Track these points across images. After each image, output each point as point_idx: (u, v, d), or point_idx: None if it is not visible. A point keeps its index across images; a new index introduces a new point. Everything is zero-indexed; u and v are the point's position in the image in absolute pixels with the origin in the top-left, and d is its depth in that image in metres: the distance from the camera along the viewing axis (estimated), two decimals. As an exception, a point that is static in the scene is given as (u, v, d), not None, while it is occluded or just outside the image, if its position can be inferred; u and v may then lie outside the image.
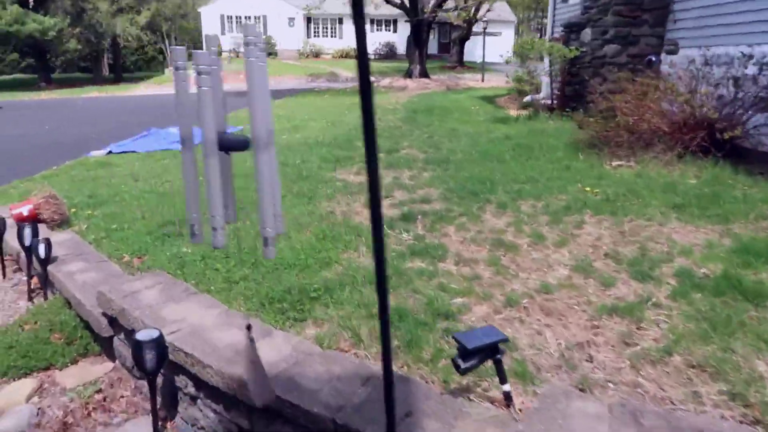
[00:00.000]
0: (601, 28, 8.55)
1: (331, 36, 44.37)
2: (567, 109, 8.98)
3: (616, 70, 8.22)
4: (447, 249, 3.91)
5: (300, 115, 13.33)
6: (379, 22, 44.34)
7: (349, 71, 34.74)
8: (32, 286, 4.43)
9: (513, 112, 11.31)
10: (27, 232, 4.20)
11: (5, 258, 4.90)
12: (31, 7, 26.50)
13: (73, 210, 5.90)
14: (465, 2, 24.56)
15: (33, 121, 14.33)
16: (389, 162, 6.85)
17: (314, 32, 44.00)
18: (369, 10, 35.67)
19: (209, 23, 40.23)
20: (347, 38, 44.12)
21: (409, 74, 24.11)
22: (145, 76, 41.21)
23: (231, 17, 40.51)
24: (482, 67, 23.99)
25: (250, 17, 40.86)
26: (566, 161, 6.05)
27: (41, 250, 3.98)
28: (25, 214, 5.49)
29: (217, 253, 4.22)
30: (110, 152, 9.55)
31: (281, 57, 40.58)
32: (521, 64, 10.54)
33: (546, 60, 9.88)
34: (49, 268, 4.02)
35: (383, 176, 6.20)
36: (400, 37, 45.00)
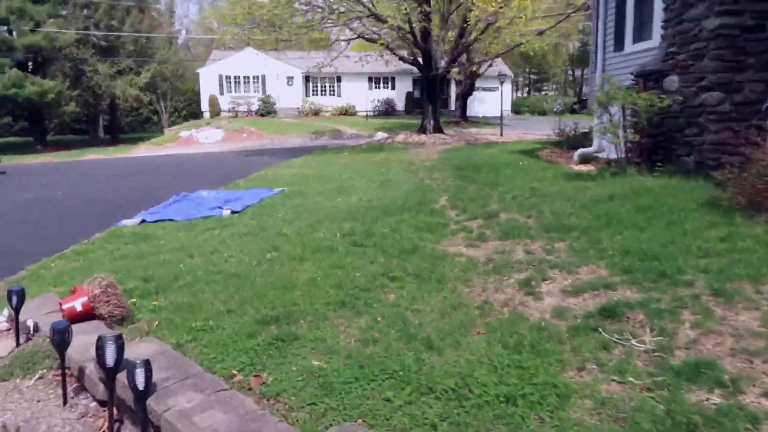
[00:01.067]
0: (694, 75, 7.78)
1: (330, 94, 44.23)
2: (658, 164, 8.09)
3: (717, 120, 7.40)
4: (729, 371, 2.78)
5: (335, 175, 12.38)
6: (377, 80, 44.38)
7: (351, 128, 34.27)
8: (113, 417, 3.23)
9: (575, 167, 10.44)
10: (110, 348, 3.05)
11: (66, 373, 3.71)
12: (29, 70, 25.77)
13: (132, 300, 4.74)
14: (470, 60, 24.28)
15: (41, 185, 13.22)
16: (500, 230, 5.80)
17: (313, 90, 43.84)
18: (379, 67, 35.57)
19: (208, 84, 39.90)
20: (345, 96, 43.99)
21: (423, 130, 23.51)
22: (142, 137, 40.45)
23: (230, 77, 40.24)
24: (501, 121, 23.45)
25: (248, 77, 40.68)
26: (725, 227, 5.05)
27: (139, 377, 2.82)
28: (79, 309, 4.34)
29: (373, 370, 3.08)
30: (143, 221, 8.44)
31: (281, 115, 40.16)
32: (600, 115, 9.72)
33: (616, 110, 9.08)
34: (150, 402, 2.85)
35: (508, 250, 5.14)
36: (398, 93, 45.02)
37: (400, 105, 44.77)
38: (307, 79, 43.52)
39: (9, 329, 4.65)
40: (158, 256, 6.36)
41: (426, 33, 21.11)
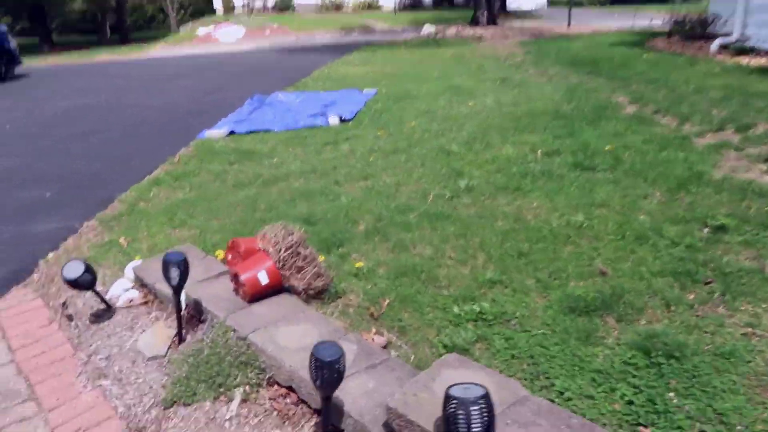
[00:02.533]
0: None
1: (351, -14, 40.56)
2: None
3: None
4: None
5: (421, 74, 10.48)
6: (402, -31, 40.50)
7: (381, 23, 31.43)
8: None
9: (729, 59, 8.57)
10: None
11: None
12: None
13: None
14: None
15: (76, 90, 11.34)
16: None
17: (332, -18, 40.18)
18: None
19: (219, -25, 36.43)
20: (368, -12, 40.33)
21: (475, 22, 21.05)
22: (150, 36, 37.57)
23: (243, -33, 36.67)
24: (569, 11, 20.86)
25: (263, -33, 37.05)
26: None
27: None
28: (265, 281, 2.79)
29: None
30: (232, 132, 6.75)
31: (299, 10, 37.07)
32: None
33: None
34: None
35: None
36: (425, -16, 41.24)
37: (427, -3, 41.23)
38: (327, -31, 39.78)
39: (143, 301, 3.15)
40: (289, 181, 4.77)
41: None
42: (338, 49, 18.61)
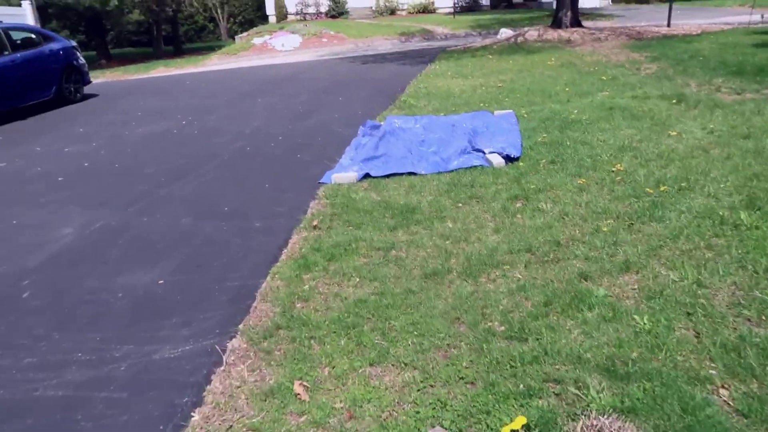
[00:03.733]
0: None
1: (405, -11, 39.25)
2: None
3: None
4: None
5: (540, 88, 8.89)
6: (458, -30, 38.97)
7: (441, 27, 29.94)
8: None
9: None
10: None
11: None
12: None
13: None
14: None
15: (150, 112, 10.16)
16: None
17: (387, -14, 38.94)
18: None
19: (272, -17, 35.56)
20: (423, -9, 38.92)
21: (557, 23, 19.25)
22: (204, 47, 37.03)
23: (296, -25, 35.71)
24: (669, 8, 18.87)
25: (316, -27, 36.02)
26: None
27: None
28: None
29: None
30: (367, 175, 5.31)
31: (353, 16, 35.88)
32: None
33: None
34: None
35: None
36: (482, -14, 39.61)
37: (485, -1, 39.58)
38: (380, -27, 38.61)
39: None
40: (501, 269, 3.25)
41: None
42: (412, 57, 17.18)
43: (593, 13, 32.31)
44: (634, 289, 3.00)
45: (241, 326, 3.09)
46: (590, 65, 11.30)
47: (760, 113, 5.67)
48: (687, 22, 19.01)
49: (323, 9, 35.66)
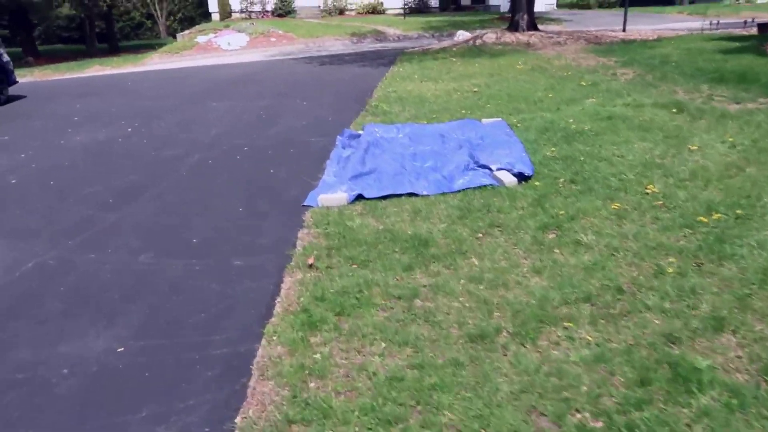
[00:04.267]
0: None
1: (354, -11, 38.55)
2: None
3: None
4: None
5: (521, 93, 8.38)
6: (407, -29, 38.59)
7: (392, 28, 29.40)
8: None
9: None
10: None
11: None
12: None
13: None
14: None
15: (88, 116, 8.99)
16: None
17: (334, -15, 38.13)
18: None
19: (214, -21, 34.06)
20: (372, -9, 38.32)
21: (514, 26, 19.00)
22: (141, 45, 35.14)
23: (241, -30, 34.33)
24: (625, 12, 18.85)
25: (262, -31, 34.78)
26: None
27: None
28: None
29: None
30: (360, 196, 4.57)
31: (301, 15, 34.86)
32: None
33: None
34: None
35: None
36: (431, -13, 39.36)
37: (434, 0, 39.39)
38: (327, -29, 37.79)
39: None
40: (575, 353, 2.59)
41: None
42: (370, 59, 16.48)
43: (542, 17, 32.49)
44: (740, 357, 2.40)
45: (238, 420, 2.29)
46: (562, 69, 10.91)
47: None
48: (638, 27, 19.07)
49: (269, 7, 34.45)
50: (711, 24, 17.87)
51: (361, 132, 6.71)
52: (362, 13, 36.74)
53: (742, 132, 5.21)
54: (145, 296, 3.32)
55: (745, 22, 17.05)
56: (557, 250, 3.44)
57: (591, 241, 3.47)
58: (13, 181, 5.73)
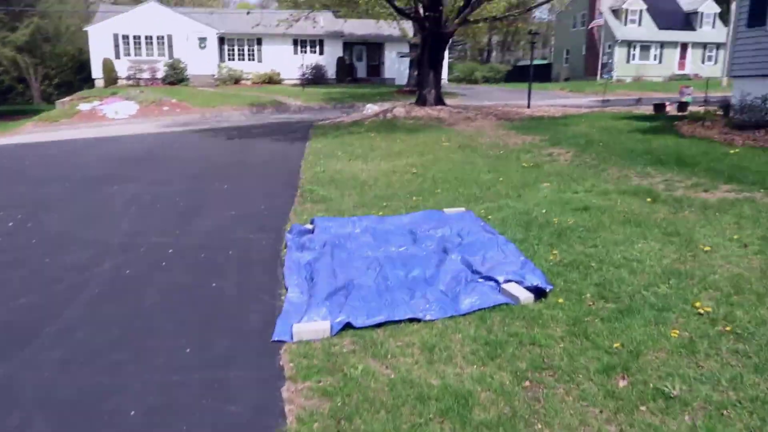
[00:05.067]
0: None
1: (249, 59, 38.12)
2: None
3: None
4: None
5: (471, 177, 7.88)
6: (303, 43, 38.94)
7: (293, 99, 29.01)
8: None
9: None
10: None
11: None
12: None
13: None
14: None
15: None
16: None
17: (229, 55, 37.48)
18: (305, 29, 30.49)
19: (99, 45, 32.11)
20: (268, 61, 38.11)
21: (422, 101, 19.09)
22: (13, 111, 32.02)
23: (128, 37, 32.64)
24: (529, 89, 19.55)
25: (152, 38, 33.36)
26: None
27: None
28: None
29: None
30: (348, 325, 3.58)
31: (194, 83, 33.56)
32: None
33: None
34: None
35: None
36: (327, 59, 39.93)
37: (330, 72, 39.79)
38: (222, 41, 37.21)
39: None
40: None
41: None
42: (281, 132, 15.66)
43: (445, 92, 33.71)
44: None
45: None
46: (491, 148, 10.69)
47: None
48: (535, 103, 19.77)
49: (160, 75, 32.87)
50: (603, 102, 19.04)
51: (310, 227, 5.75)
52: (258, 83, 36.17)
53: (741, 228, 4.87)
54: None
55: (638, 100, 18.28)
56: (643, 408, 2.66)
57: (681, 392, 2.73)
58: None
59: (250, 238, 5.67)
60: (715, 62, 44.11)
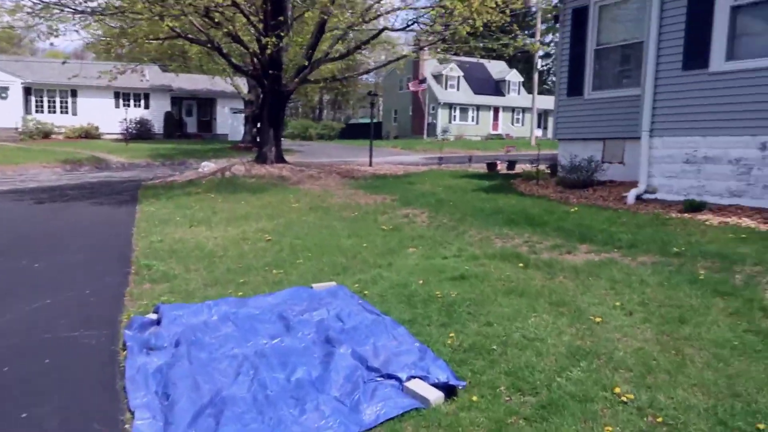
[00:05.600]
0: None
1: (62, 111, 34.59)
2: None
3: None
4: None
5: (332, 243, 7.38)
6: (126, 96, 36.41)
7: (115, 155, 26.65)
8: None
9: (675, 215, 7.75)
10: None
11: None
12: None
13: None
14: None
15: None
16: None
17: (37, 107, 33.61)
18: (129, 81, 28.52)
19: None
20: (84, 114, 34.94)
21: (262, 158, 18.37)
22: None
23: None
24: (370, 148, 19.62)
25: (-65, 83, 28.88)
26: None
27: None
28: None
29: None
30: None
31: (-8, 138, 29.48)
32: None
33: None
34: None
35: None
36: (154, 113, 37.74)
37: (157, 126, 37.58)
38: (28, 91, 33.46)
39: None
40: None
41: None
42: (103, 194, 13.89)
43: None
44: None
45: None
46: (344, 209, 10.31)
47: (643, 282, 5.09)
48: (375, 160, 20.08)
49: (-54, 127, 28.37)
50: (439, 160, 19.90)
51: (155, 317, 4.72)
52: (73, 138, 32.75)
53: (619, 293, 4.87)
54: None
55: (470, 159, 19.36)
56: None
57: None
58: None
59: (73, 338, 4.48)
60: (523, 124, 49.56)
